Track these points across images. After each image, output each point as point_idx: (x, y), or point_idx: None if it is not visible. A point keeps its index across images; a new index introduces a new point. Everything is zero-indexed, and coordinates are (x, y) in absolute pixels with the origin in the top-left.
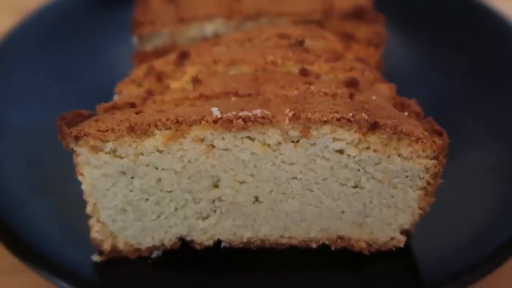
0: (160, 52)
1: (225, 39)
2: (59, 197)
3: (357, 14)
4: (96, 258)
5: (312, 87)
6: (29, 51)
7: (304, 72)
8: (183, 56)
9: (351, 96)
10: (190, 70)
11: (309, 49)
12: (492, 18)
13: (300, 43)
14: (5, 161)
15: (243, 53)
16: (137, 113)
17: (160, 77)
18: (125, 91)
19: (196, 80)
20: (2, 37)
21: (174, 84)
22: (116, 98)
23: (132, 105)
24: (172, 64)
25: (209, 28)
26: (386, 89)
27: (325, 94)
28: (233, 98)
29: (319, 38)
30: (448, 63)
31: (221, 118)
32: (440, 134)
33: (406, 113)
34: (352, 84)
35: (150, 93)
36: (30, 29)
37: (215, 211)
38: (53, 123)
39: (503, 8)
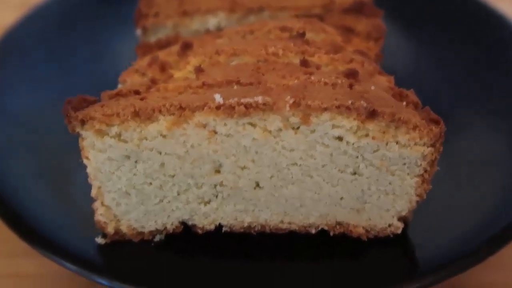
0: (164, 44)
1: (227, 31)
2: (64, 180)
3: (357, 8)
4: (100, 240)
5: (312, 77)
6: (34, 44)
7: (304, 63)
8: (186, 47)
9: (350, 86)
10: (193, 61)
11: (309, 41)
12: (490, 14)
13: (301, 35)
14: (11, 145)
15: (245, 44)
16: (141, 99)
17: (163, 67)
18: (129, 80)
19: (198, 70)
20: (7, 30)
21: (177, 74)
22: (120, 87)
23: (137, 93)
24: (175, 55)
25: (212, 21)
26: (384, 81)
27: (325, 83)
28: (235, 87)
29: (320, 31)
30: (447, 57)
31: (223, 105)
32: (437, 123)
33: (404, 103)
34: (351, 75)
35: (153, 81)
36: (35, 21)
37: (216, 196)
38: (58, 110)
39: (503, 7)
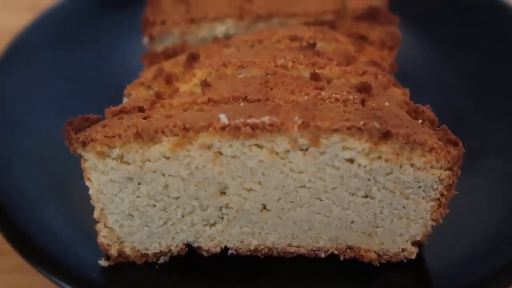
0: (170, 53)
1: (235, 40)
2: (68, 200)
3: (371, 15)
4: (103, 263)
5: (322, 93)
6: (41, 50)
7: (315, 77)
8: (193, 59)
9: (363, 102)
10: (199, 73)
11: (320, 52)
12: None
13: (312, 45)
14: (16, 163)
15: (253, 56)
16: (145, 118)
17: (169, 79)
18: (134, 94)
19: (204, 84)
20: (15, 36)
21: (183, 87)
22: (125, 100)
23: (140, 109)
24: (181, 66)
25: (220, 29)
26: (399, 94)
27: (336, 100)
28: (242, 103)
29: (331, 40)
30: (463, 65)
31: (228, 125)
32: (455, 144)
33: (420, 121)
34: (364, 89)
35: (159, 96)
36: (42, 28)
37: (222, 218)
38: (64, 120)
39: None
